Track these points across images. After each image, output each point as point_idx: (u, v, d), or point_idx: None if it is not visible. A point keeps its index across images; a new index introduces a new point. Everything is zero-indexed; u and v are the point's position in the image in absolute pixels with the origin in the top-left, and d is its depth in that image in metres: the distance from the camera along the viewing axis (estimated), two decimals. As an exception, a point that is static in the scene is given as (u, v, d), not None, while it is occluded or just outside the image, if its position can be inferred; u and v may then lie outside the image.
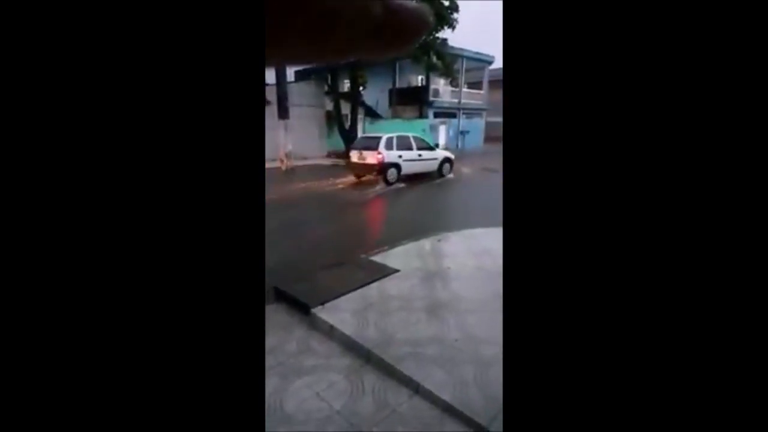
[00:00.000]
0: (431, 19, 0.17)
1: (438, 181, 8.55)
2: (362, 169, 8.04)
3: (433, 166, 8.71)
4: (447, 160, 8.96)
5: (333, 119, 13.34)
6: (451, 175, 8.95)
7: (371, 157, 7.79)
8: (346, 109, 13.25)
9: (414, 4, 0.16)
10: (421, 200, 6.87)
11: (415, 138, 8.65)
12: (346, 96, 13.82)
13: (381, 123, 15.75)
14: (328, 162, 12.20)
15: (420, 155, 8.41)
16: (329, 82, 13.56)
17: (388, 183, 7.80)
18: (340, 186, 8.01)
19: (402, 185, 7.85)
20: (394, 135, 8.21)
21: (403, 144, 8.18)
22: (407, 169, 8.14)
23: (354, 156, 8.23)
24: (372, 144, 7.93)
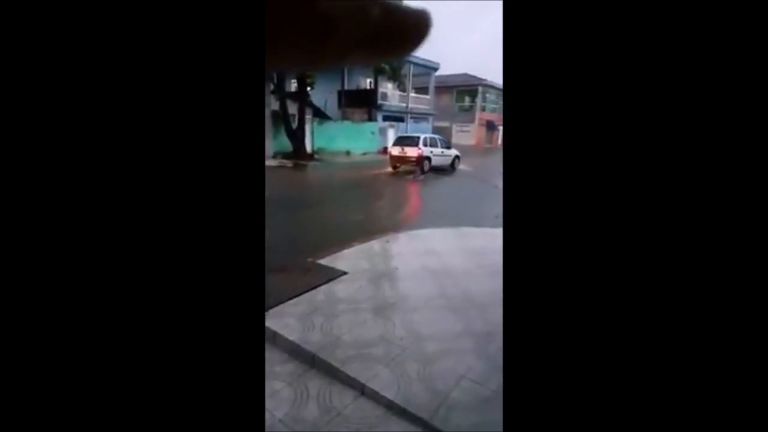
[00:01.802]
0: (431, 21, 0.16)
1: (452, 172, 11.63)
2: (403, 160, 10.73)
3: (449, 160, 11.67)
4: (457, 157, 12.03)
5: (279, 119, 12.93)
6: (461, 167, 12.07)
7: (412, 151, 10.50)
8: (293, 109, 12.91)
9: (413, 8, 0.16)
10: (452, 182, 9.74)
11: (440, 139, 11.73)
12: (293, 96, 13.48)
13: (330, 124, 15.59)
14: (274, 163, 11.79)
15: (442, 152, 11.34)
16: (275, 81, 13.13)
17: (423, 171, 10.40)
18: (386, 173, 10.67)
19: (430, 174, 10.53)
20: (427, 135, 11.21)
21: (432, 143, 11.11)
22: (434, 161, 10.95)
23: (395, 151, 10.92)
24: (411, 142, 10.78)
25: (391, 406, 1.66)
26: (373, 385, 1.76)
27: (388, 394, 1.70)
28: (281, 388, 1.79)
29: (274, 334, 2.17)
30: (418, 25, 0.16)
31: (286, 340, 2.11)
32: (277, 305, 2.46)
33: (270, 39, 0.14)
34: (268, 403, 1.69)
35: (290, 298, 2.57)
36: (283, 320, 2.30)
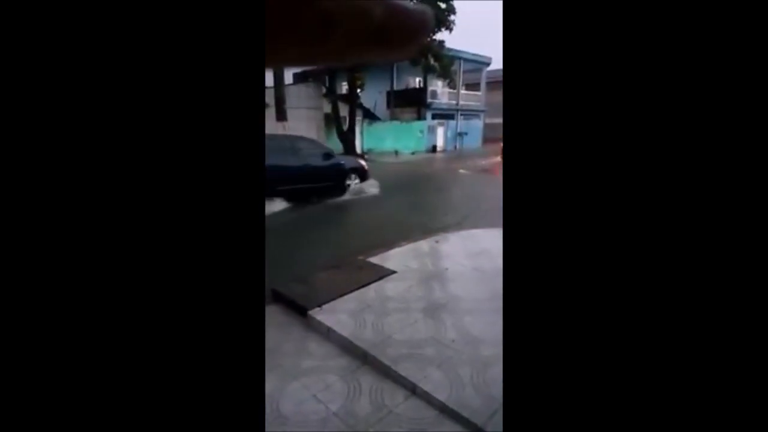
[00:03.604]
0: (433, 20, 0.16)
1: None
2: None
3: None
4: None
5: (331, 121, 13.35)
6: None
7: None
8: (344, 111, 13.27)
9: (415, 5, 0.16)
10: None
11: None
12: (344, 98, 13.84)
13: (379, 125, 15.78)
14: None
15: None
16: (327, 84, 13.59)
17: None
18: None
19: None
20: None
21: None
22: None
23: None
24: None
25: (443, 409, 1.64)
26: (425, 385, 1.74)
27: (441, 396, 1.68)
28: (335, 382, 1.85)
29: (328, 329, 2.24)
30: (419, 23, 0.16)
31: (339, 335, 2.17)
32: (329, 301, 2.54)
33: (270, 37, 0.14)
34: (323, 396, 1.75)
35: (342, 295, 2.64)
36: (335, 316, 2.36)
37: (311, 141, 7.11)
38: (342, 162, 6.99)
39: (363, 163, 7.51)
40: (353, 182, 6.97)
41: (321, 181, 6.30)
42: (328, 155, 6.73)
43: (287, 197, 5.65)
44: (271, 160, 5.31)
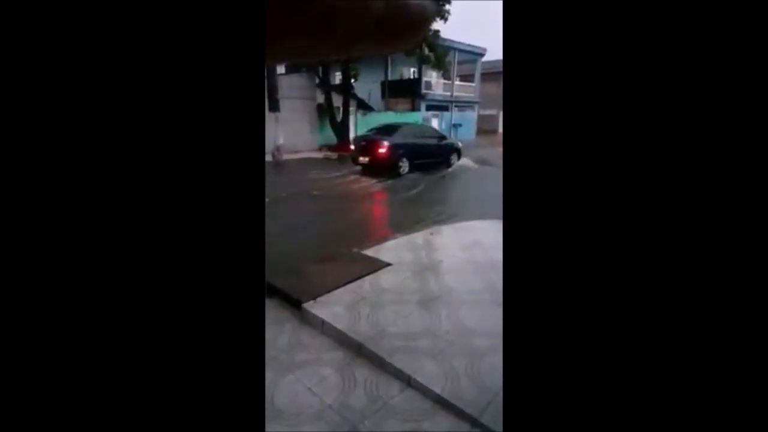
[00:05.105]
0: (433, 13, 0.17)
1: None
2: None
3: None
4: None
5: (324, 112, 13.20)
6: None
7: None
8: (337, 101, 13.11)
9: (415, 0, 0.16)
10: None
11: None
12: (337, 88, 13.68)
13: (373, 116, 15.66)
14: (320, 155, 12.11)
15: None
16: (320, 74, 13.39)
17: None
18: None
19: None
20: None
21: None
22: None
23: None
24: None
25: (438, 400, 1.65)
26: (420, 377, 1.75)
27: (436, 387, 1.69)
28: (330, 375, 1.85)
29: (323, 322, 2.24)
30: (419, 16, 0.16)
31: (334, 328, 2.17)
32: (324, 294, 2.53)
33: (275, 32, 0.14)
34: (318, 389, 1.75)
35: (337, 287, 2.63)
36: (330, 309, 2.36)
37: (431, 128, 9.99)
38: (451, 142, 9.93)
39: (459, 144, 10.30)
40: (453, 158, 9.72)
41: (437, 157, 9.11)
42: (441, 137, 9.60)
43: (418, 168, 8.41)
44: (409, 140, 8.44)
